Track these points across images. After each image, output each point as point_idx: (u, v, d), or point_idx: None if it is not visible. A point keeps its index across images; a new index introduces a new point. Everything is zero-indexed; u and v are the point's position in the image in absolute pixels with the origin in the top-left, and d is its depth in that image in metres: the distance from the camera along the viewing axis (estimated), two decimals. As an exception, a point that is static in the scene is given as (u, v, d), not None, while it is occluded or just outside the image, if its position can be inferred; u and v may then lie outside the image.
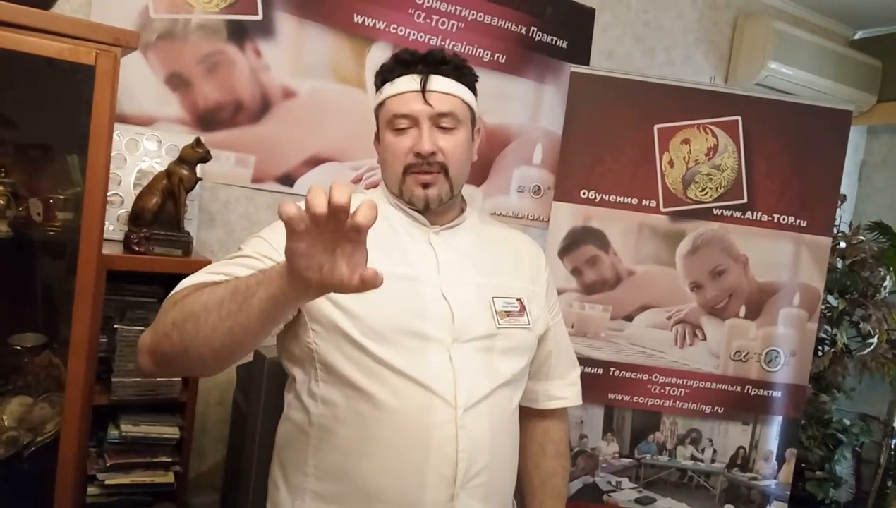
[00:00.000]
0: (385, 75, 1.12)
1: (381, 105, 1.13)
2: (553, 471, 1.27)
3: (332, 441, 1.03)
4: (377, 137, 1.17)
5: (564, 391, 1.28)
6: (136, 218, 1.72)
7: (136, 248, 1.67)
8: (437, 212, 1.14)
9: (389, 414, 1.00)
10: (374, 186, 1.25)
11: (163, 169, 1.76)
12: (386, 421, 1.00)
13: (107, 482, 1.60)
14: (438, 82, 1.08)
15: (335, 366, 1.02)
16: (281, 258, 0.98)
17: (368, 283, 0.69)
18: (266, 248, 1.01)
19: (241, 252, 1.03)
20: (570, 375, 1.30)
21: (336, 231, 0.66)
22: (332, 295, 0.95)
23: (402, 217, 1.14)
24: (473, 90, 1.16)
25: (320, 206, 0.64)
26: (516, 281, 1.18)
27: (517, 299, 1.15)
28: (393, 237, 1.10)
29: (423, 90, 1.07)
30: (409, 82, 1.08)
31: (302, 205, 0.67)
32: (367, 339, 1.01)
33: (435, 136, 1.08)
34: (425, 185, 1.09)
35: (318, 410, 1.05)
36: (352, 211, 0.65)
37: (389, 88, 1.10)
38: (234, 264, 0.99)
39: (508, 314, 1.12)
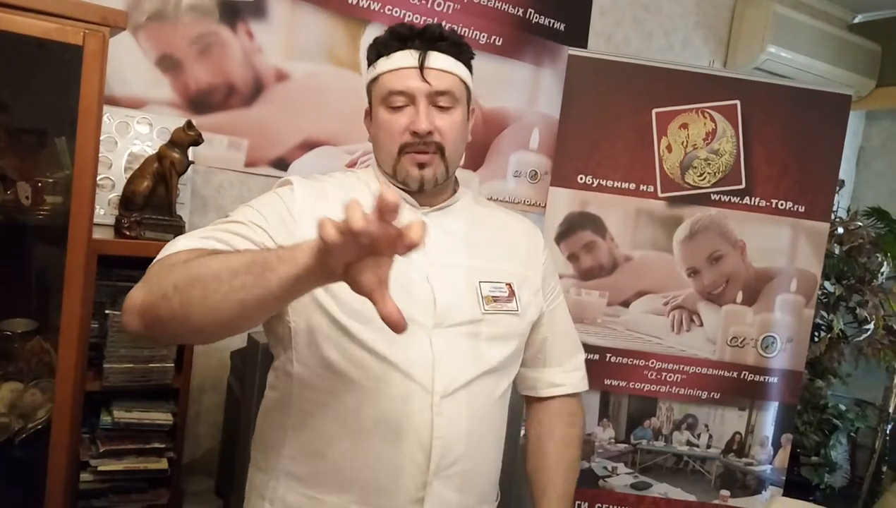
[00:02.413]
0: (380, 49, 1.07)
1: (374, 80, 1.08)
2: (568, 440, 1.22)
3: (309, 422, 1.02)
4: (368, 114, 1.13)
5: (564, 377, 1.24)
6: (128, 202, 1.70)
7: (128, 233, 1.65)
8: (428, 193, 1.10)
9: (365, 398, 0.98)
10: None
11: (154, 152, 1.73)
12: (361, 404, 0.98)
13: (100, 468, 1.59)
14: (437, 59, 1.04)
15: (313, 346, 1.00)
16: (272, 231, 0.97)
17: (392, 324, 0.69)
18: (258, 218, 0.98)
19: (233, 218, 1.00)
20: (570, 361, 1.26)
21: (377, 239, 0.65)
22: None
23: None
24: (470, 68, 1.12)
25: (358, 222, 0.63)
26: (507, 265, 1.14)
27: (506, 284, 1.11)
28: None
29: (422, 67, 1.03)
30: (407, 58, 1.04)
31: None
32: (347, 318, 0.98)
33: (432, 115, 1.04)
34: (421, 165, 1.05)
35: (295, 391, 1.03)
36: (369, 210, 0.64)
37: (385, 63, 1.06)
38: (228, 232, 0.95)
39: (496, 299, 1.08)
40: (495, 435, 1.12)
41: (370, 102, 1.11)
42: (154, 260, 0.91)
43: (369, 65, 1.10)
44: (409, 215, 1.07)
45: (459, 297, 1.05)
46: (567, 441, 1.22)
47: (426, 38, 1.05)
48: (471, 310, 1.06)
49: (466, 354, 1.04)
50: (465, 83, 1.10)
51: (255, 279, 0.76)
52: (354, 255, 0.68)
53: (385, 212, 0.63)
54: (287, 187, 1.05)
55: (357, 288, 0.70)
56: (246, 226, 0.97)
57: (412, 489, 0.99)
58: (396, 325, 0.69)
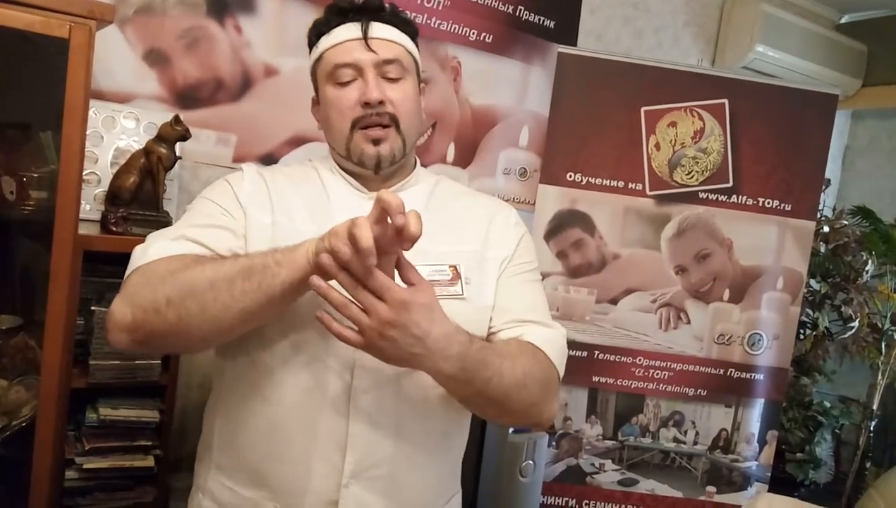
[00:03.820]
0: (320, 28, 1.03)
1: (318, 60, 1.03)
2: (519, 349, 0.97)
3: (233, 416, 0.99)
4: (315, 102, 1.07)
5: (528, 329, 1.00)
6: (114, 197, 1.68)
7: (114, 228, 1.64)
8: (382, 176, 1.04)
9: (279, 390, 0.94)
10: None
11: (141, 147, 1.72)
12: (278, 397, 0.94)
13: (85, 466, 1.57)
14: (380, 29, 1.00)
15: (241, 337, 0.94)
16: (235, 220, 0.95)
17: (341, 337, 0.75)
18: (218, 210, 0.97)
19: (196, 212, 0.97)
20: (540, 327, 1.02)
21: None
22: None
23: (339, 182, 1.05)
24: (416, 44, 1.07)
25: (366, 240, 0.68)
26: (456, 247, 1.03)
27: (450, 266, 1.00)
28: (324, 202, 1.02)
29: (366, 36, 0.99)
30: (350, 30, 0.99)
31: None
32: None
33: (382, 86, 0.99)
34: (376, 141, 0.99)
35: (225, 383, 1.01)
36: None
37: (326, 40, 1.01)
38: (198, 228, 0.93)
39: (435, 283, 0.95)
40: (438, 437, 1.02)
41: (316, 87, 1.07)
42: (131, 269, 0.88)
43: (311, 49, 1.06)
44: (353, 201, 1.02)
45: None
46: (520, 348, 0.97)
47: (367, 10, 1.01)
48: None
49: None
50: (412, 55, 1.05)
51: (257, 285, 0.76)
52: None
53: (393, 214, 0.65)
54: (238, 173, 1.03)
55: (377, 284, 0.74)
56: (213, 218, 0.96)
57: (324, 490, 0.94)
58: (345, 340, 0.74)
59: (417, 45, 1.08)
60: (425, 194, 1.09)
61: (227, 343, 0.98)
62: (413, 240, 0.65)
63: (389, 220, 0.73)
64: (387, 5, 1.04)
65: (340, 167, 1.07)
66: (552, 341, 1.01)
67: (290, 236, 0.89)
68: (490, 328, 1.02)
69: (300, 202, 1.02)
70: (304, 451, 0.94)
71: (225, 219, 0.96)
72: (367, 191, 1.05)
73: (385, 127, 1.00)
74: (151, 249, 0.89)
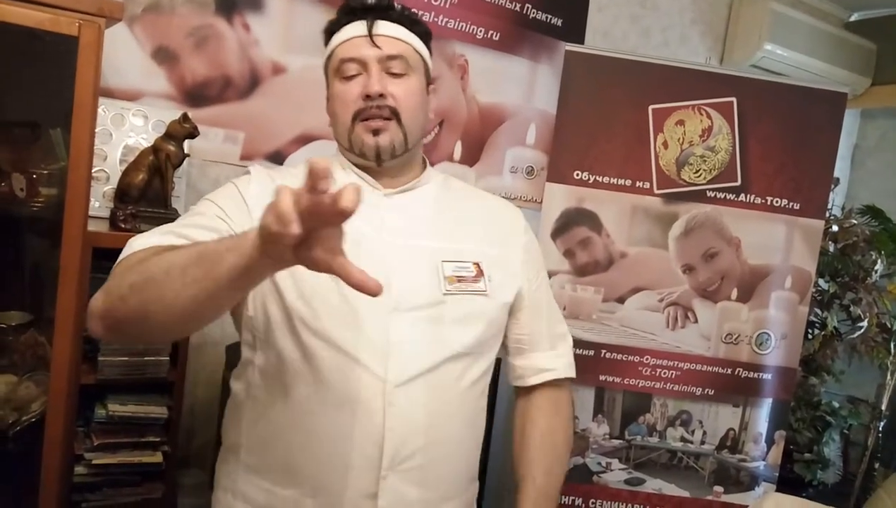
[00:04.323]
0: (332, 27, 1.07)
1: (328, 57, 1.07)
2: (553, 428, 1.16)
3: (264, 414, 1.00)
4: (328, 99, 1.10)
5: (551, 362, 1.18)
6: (123, 194, 1.69)
7: (123, 225, 1.64)
8: (391, 172, 1.07)
9: (315, 388, 0.96)
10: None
11: (149, 145, 1.72)
12: (311, 394, 0.96)
13: (94, 461, 1.58)
14: (386, 26, 1.03)
15: (269, 334, 0.98)
16: (233, 220, 0.96)
17: (367, 290, 0.65)
18: (217, 210, 0.98)
19: (194, 212, 1.00)
20: (557, 347, 1.20)
21: (313, 214, 0.61)
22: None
23: (353, 179, 1.06)
24: (427, 44, 1.09)
25: (285, 205, 0.60)
26: (476, 245, 1.08)
27: (473, 263, 1.05)
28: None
29: (371, 33, 1.02)
30: (357, 27, 1.03)
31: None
32: (300, 302, 0.96)
33: (385, 80, 1.02)
34: (376, 132, 1.01)
35: (254, 381, 1.02)
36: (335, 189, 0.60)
37: (337, 36, 1.05)
38: (188, 226, 0.94)
39: (460, 279, 1.02)
40: (465, 427, 1.06)
41: (326, 84, 1.09)
42: (116, 262, 0.90)
43: (325, 46, 1.09)
44: (368, 198, 1.03)
45: (418, 279, 1.01)
46: (550, 428, 1.16)
47: (375, 9, 1.04)
48: (430, 292, 1.01)
49: (426, 339, 1.00)
50: (419, 53, 1.07)
51: (205, 272, 0.73)
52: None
53: (316, 179, 0.58)
54: (245, 176, 1.05)
55: (314, 267, 0.66)
56: (206, 218, 0.96)
57: (364, 484, 0.96)
58: (372, 289, 0.64)
59: (430, 47, 1.10)
60: (436, 193, 1.12)
61: (254, 342, 1.01)
62: (343, 215, 0.59)
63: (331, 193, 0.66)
64: (398, 6, 1.06)
65: (351, 163, 1.09)
66: (567, 356, 1.20)
67: None
68: (531, 345, 1.17)
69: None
70: (342, 447, 0.95)
71: (217, 221, 0.96)
72: (381, 188, 1.06)
73: (386, 119, 1.01)
74: (137, 241, 0.90)
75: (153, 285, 0.78)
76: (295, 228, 0.60)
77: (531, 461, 1.14)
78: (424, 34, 1.09)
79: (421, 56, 1.07)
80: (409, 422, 0.97)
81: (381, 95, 1.00)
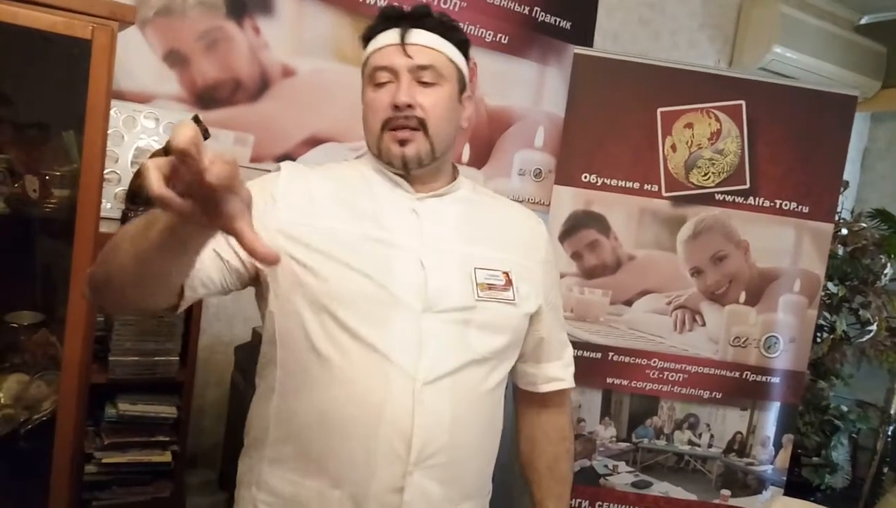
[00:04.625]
0: (369, 33, 1.08)
1: (364, 64, 1.08)
2: (558, 456, 1.25)
3: (291, 408, 1.01)
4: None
5: (562, 372, 1.24)
6: (134, 196, 1.70)
7: (134, 227, 1.66)
8: (422, 179, 1.08)
9: (342, 381, 0.97)
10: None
11: (161, 147, 1.74)
12: (341, 388, 0.97)
13: (104, 460, 1.60)
14: (419, 35, 1.04)
15: (296, 329, 1.00)
16: (255, 211, 0.96)
17: (260, 257, 0.64)
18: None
19: None
20: (564, 355, 1.25)
21: (190, 187, 0.59)
22: (298, 256, 0.98)
23: (385, 182, 1.08)
24: (464, 52, 1.10)
25: (182, 138, 0.57)
26: (505, 254, 1.11)
27: (503, 272, 1.08)
28: (370, 200, 1.06)
29: (403, 42, 1.02)
30: (391, 35, 1.04)
31: None
32: (331, 300, 0.97)
33: (414, 90, 1.02)
34: (402, 142, 1.03)
35: (279, 376, 1.03)
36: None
37: (373, 43, 1.06)
38: None
39: (491, 287, 1.05)
40: (484, 429, 1.09)
41: (363, 89, 1.10)
42: None
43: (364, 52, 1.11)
44: (403, 201, 1.07)
45: (452, 283, 1.03)
46: (557, 456, 1.26)
47: (410, 17, 1.05)
48: (463, 297, 1.03)
49: (454, 341, 1.02)
50: (454, 63, 1.07)
51: (143, 233, 0.75)
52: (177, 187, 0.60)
53: (179, 153, 0.57)
54: (274, 173, 1.07)
55: (226, 229, 0.64)
56: None
57: (390, 478, 0.97)
58: (265, 257, 0.63)
59: (468, 55, 1.11)
60: (466, 200, 1.14)
61: (283, 337, 1.02)
62: (212, 187, 0.58)
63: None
64: (435, 14, 1.07)
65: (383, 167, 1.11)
66: (572, 366, 1.26)
67: (327, 235, 0.98)
68: (545, 355, 1.21)
69: (342, 201, 1.05)
70: (370, 441, 0.97)
71: None
72: (413, 192, 1.08)
73: (413, 129, 1.03)
74: None
75: (113, 250, 0.84)
76: (174, 201, 0.59)
77: (542, 487, 1.26)
78: (461, 42, 1.09)
79: (455, 65, 1.08)
80: (435, 420, 0.99)
81: (409, 106, 1.01)
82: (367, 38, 1.08)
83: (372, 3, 2.15)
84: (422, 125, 1.03)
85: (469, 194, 1.15)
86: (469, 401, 1.04)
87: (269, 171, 2.09)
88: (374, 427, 0.97)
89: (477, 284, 1.05)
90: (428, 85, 1.03)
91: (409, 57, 1.02)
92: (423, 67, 1.03)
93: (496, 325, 1.06)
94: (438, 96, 1.04)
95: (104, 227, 1.54)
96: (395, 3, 2.19)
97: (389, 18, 1.05)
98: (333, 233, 1.00)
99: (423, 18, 1.05)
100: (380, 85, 1.04)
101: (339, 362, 0.97)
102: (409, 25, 1.03)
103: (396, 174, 1.08)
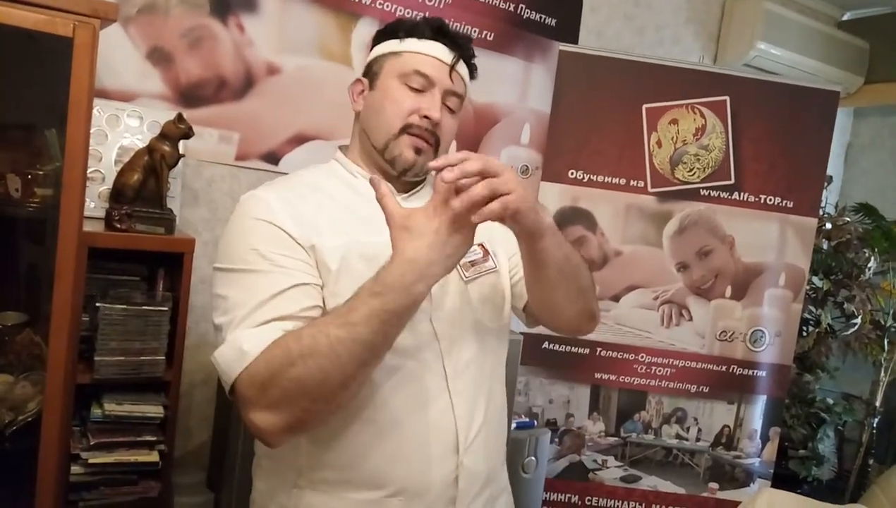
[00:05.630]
0: (409, 30, 1.09)
1: (397, 54, 1.08)
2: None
3: (330, 430, 0.99)
4: (360, 83, 1.12)
5: None
6: (118, 195, 1.69)
7: (118, 226, 1.65)
8: (403, 182, 1.11)
9: (386, 393, 0.99)
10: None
11: (144, 145, 1.73)
12: (385, 400, 0.99)
13: (90, 461, 1.58)
14: (462, 67, 1.11)
15: None
16: (299, 255, 0.97)
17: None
18: (277, 258, 0.96)
19: (265, 282, 0.95)
20: None
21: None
22: (331, 284, 0.98)
23: (359, 180, 1.09)
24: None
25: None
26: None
27: (478, 244, 1.11)
28: (365, 205, 1.03)
29: (453, 67, 1.08)
30: (444, 52, 1.08)
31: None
32: None
33: (441, 110, 1.07)
34: (418, 151, 1.06)
35: None
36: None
37: (417, 45, 1.07)
38: (280, 304, 0.93)
39: (473, 263, 1.10)
40: (501, 409, 1.15)
41: (375, 73, 1.10)
42: (233, 374, 0.90)
43: (385, 38, 1.11)
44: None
45: (448, 277, 1.01)
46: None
47: (461, 48, 1.10)
48: (456, 283, 1.07)
49: (466, 326, 1.07)
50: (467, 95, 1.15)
51: (388, 329, 0.87)
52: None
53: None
54: (261, 206, 1.00)
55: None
56: (276, 279, 0.95)
57: (446, 471, 1.01)
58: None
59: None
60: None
61: None
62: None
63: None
64: (472, 51, 1.13)
65: (363, 164, 1.11)
66: None
67: (359, 249, 1.00)
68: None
69: (339, 215, 1.05)
70: (423, 445, 1.00)
71: (284, 271, 0.95)
72: (397, 192, 1.07)
73: (429, 143, 1.07)
74: (245, 345, 0.90)
75: (326, 379, 0.87)
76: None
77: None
78: (473, 77, 1.16)
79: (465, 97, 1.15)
80: (470, 405, 1.04)
81: (437, 124, 1.07)
82: (406, 32, 1.09)
83: None
84: (436, 142, 1.08)
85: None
86: (489, 385, 1.10)
87: (255, 169, 2.09)
88: (423, 430, 1.00)
89: (460, 266, 1.06)
90: (450, 111, 1.10)
91: (452, 81, 1.08)
92: (455, 95, 1.09)
93: (492, 297, 1.12)
94: (454, 124, 1.12)
95: (88, 227, 1.53)
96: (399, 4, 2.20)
97: (443, 33, 1.09)
98: (344, 250, 1.00)
99: (467, 51, 1.11)
100: (413, 88, 1.07)
101: (377, 376, 0.97)
102: (459, 53, 1.09)
103: (382, 173, 1.07)
